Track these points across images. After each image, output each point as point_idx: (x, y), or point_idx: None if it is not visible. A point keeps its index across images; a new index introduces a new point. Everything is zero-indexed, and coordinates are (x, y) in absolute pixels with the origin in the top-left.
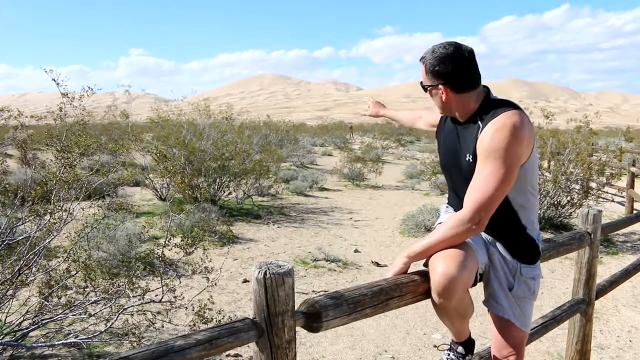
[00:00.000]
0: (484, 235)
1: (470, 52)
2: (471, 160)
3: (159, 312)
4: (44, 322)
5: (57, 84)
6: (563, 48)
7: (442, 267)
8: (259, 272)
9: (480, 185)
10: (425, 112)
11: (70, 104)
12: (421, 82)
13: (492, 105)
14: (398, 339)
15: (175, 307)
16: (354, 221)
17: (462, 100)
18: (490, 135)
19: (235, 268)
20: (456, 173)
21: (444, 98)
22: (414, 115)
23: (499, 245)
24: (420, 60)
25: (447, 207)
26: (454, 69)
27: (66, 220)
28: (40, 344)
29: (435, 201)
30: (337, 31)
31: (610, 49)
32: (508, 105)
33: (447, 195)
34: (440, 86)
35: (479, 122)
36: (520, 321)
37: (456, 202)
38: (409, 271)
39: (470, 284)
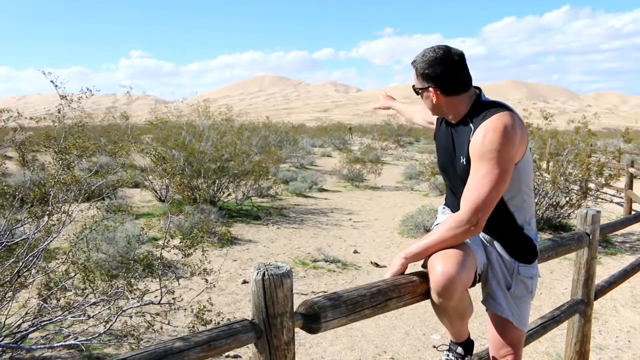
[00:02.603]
0: (481, 235)
1: (460, 56)
2: (465, 162)
3: (157, 314)
4: (43, 323)
5: (56, 85)
6: (562, 49)
7: (441, 266)
8: (258, 273)
9: (476, 187)
10: (424, 107)
11: (69, 105)
12: (413, 86)
13: (482, 107)
14: (397, 339)
15: (174, 309)
16: (353, 222)
17: (453, 102)
18: (482, 137)
19: (235, 269)
20: (453, 174)
21: (434, 100)
22: (414, 109)
23: (497, 244)
24: (412, 63)
25: (444, 207)
26: (443, 72)
27: (65, 223)
28: (39, 346)
29: (434, 202)
30: (336, 32)
31: (609, 50)
32: (498, 106)
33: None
34: (430, 89)
35: (470, 125)
36: (518, 320)
37: (453, 203)
38: (407, 272)
39: (470, 284)
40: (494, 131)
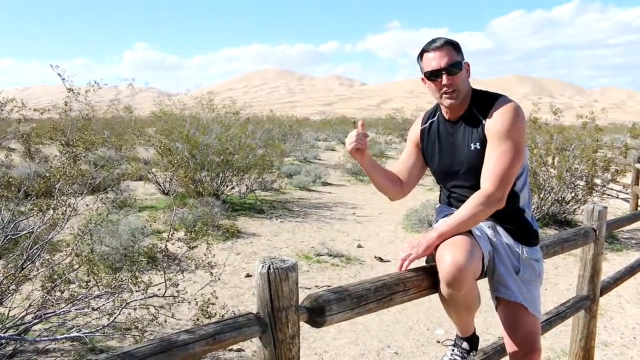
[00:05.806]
0: (483, 223)
1: None
2: (479, 147)
3: (161, 307)
4: (47, 316)
5: (63, 79)
6: (570, 44)
7: (450, 256)
8: (263, 266)
9: (499, 162)
10: (399, 164)
11: (76, 99)
12: (450, 65)
13: (483, 96)
14: (401, 334)
15: (178, 302)
16: (357, 216)
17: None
18: (501, 118)
19: (238, 263)
20: (457, 169)
21: (469, 73)
22: (400, 171)
23: (500, 230)
24: (441, 46)
25: (440, 206)
26: None
27: (69, 216)
28: (43, 338)
29: (438, 196)
30: (343, 25)
31: (618, 45)
32: (496, 94)
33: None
34: (466, 62)
35: (476, 112)
36: (532, 305)
37: (456, 205)
38: (410, 268)
39: (479, 273)
40: (509, 112)
